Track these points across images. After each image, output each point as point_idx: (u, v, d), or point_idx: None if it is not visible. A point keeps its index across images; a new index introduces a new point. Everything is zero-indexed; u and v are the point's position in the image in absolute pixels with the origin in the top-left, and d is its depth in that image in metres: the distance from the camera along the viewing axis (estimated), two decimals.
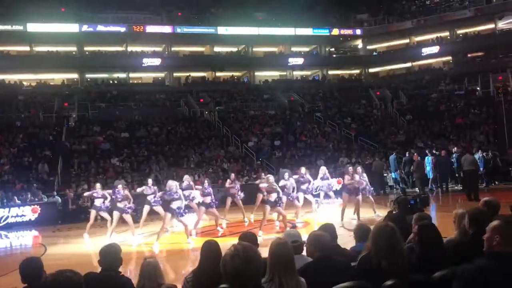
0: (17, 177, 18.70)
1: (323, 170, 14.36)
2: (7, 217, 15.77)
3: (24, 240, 14.22)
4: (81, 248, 11.16)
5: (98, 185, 12.78)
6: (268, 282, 2.87)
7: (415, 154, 18.65)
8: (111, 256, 3.86)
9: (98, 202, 12.14)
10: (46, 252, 10.83)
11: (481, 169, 17.39)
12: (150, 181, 13.26)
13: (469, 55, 33.38)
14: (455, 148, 19.34)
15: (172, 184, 10.61)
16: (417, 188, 17.84)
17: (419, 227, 3.68)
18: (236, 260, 2.31)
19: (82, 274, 2.53)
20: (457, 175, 18.41)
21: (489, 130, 24.34)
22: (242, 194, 13.61)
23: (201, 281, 3.65)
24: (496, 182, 18.99)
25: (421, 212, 5.25)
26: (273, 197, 10.87)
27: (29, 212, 16.07)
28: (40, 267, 3.73)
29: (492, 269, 2.60)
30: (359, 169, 12.99)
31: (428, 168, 18.19)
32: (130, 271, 7.52)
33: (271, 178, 11.34)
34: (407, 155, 19.22)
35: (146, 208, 12.68)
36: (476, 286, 2.57)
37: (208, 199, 11.72)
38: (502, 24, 31.76)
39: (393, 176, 19.73)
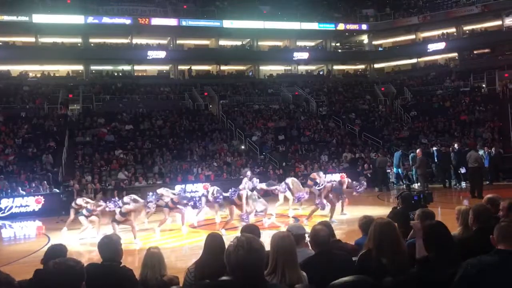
0: (21, 167, 18.79)
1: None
2: (11, 207, 15.88)
3: (28, 230, 14.30)
4: (84, 239, 11.17)
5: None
6: (270, 274, 2.87)
7: (418, 150, 18.56)
8: (110, 248, 3.82)
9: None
10: (49, 242, 10.87)
11: (486, 166, 17.31)
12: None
13: (475, 52, 33.13)
14: (456, 144, 19.25)
15: None
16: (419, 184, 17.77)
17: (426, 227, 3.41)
18: (240, 252, 2.30)
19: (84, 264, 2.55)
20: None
21: (494, 127, 24.23)
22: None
23: (203, 272, 3.66)
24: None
25: (425, 208, 5.24)
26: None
27: (33, 203, 16.19)
28: (64, 255, 3.82)
29: (495, 266, 2.62)
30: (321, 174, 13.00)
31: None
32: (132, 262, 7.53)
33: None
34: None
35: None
36: (478, 280, 2.57)
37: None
38: (509, 21, 31.48)
39: (395, 172, 19.65)
